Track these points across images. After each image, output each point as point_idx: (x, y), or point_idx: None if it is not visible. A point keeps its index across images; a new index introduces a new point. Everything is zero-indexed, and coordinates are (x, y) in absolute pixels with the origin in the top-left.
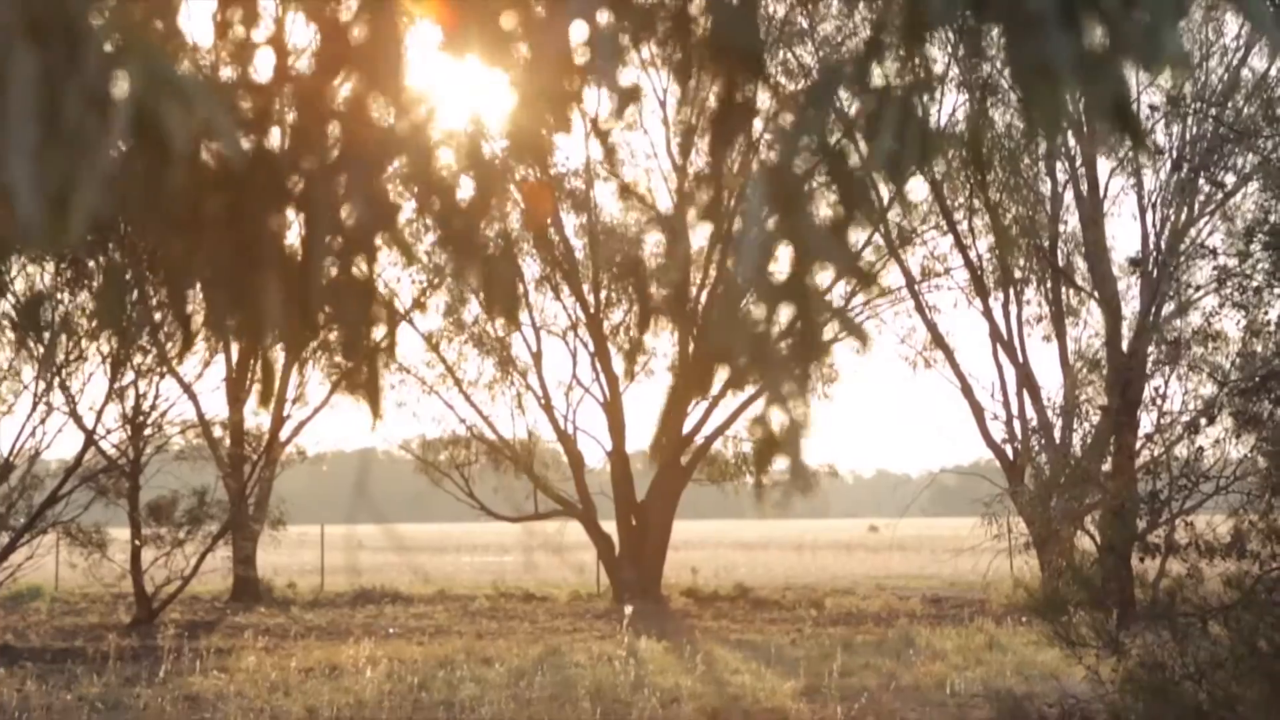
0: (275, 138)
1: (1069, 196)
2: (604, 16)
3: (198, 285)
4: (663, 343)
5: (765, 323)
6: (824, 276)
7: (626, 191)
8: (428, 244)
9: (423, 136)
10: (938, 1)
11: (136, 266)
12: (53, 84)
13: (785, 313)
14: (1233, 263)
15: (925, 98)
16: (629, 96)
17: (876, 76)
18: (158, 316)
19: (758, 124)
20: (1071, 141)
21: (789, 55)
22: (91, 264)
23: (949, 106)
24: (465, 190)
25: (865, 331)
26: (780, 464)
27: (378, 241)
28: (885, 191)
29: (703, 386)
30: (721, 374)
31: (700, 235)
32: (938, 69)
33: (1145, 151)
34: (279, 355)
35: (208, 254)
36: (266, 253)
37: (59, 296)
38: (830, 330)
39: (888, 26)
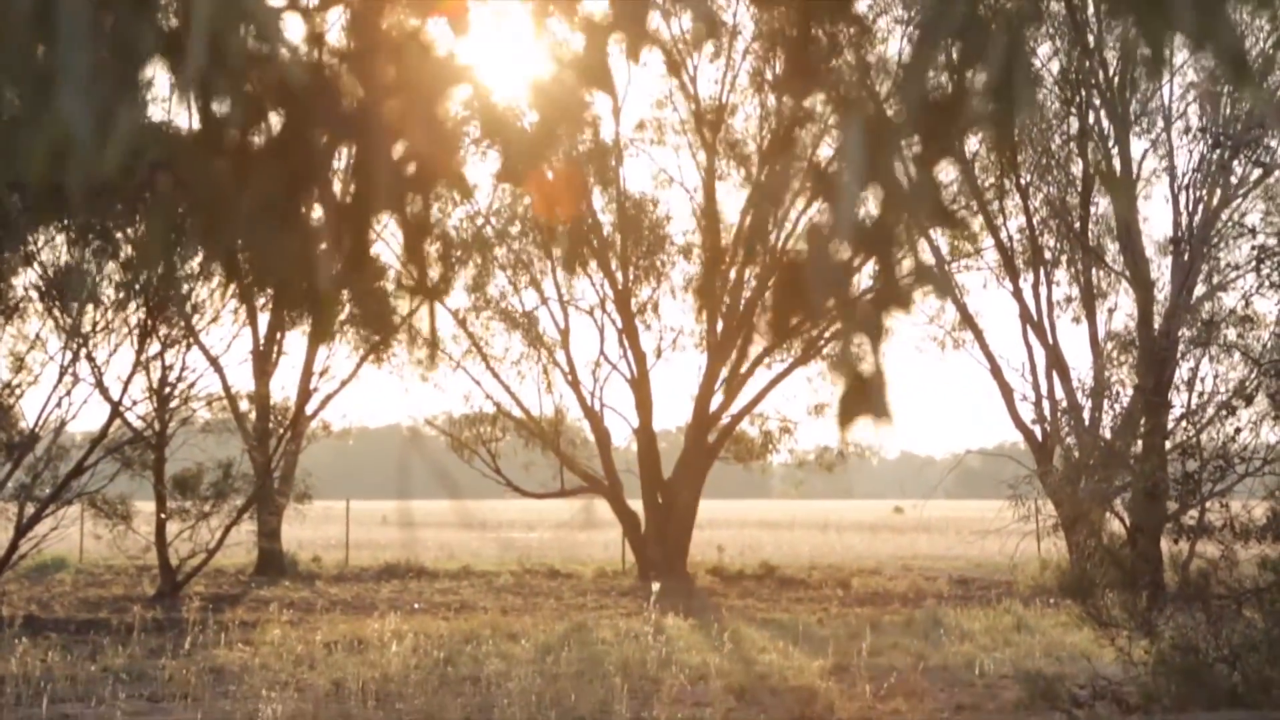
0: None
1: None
2: None
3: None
4: (689, 320)
5: (850, 267)
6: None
7: (701, 122)
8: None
9: (481, 67)
10: None
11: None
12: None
13: (869, 258)
14: (1272, 242)
15: (1030, 30)
16: (711, 25)
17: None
18: (185, 288)
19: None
20: (1104, 120)
21: None
22: (119, 235)
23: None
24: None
25: (947, 281)
26: (861, 415)
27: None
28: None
29: (780, 329)
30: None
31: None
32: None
33: (1250, 86)
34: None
35: (258, 184)
36: (316, 184)
37: (87, 266)
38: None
39: None
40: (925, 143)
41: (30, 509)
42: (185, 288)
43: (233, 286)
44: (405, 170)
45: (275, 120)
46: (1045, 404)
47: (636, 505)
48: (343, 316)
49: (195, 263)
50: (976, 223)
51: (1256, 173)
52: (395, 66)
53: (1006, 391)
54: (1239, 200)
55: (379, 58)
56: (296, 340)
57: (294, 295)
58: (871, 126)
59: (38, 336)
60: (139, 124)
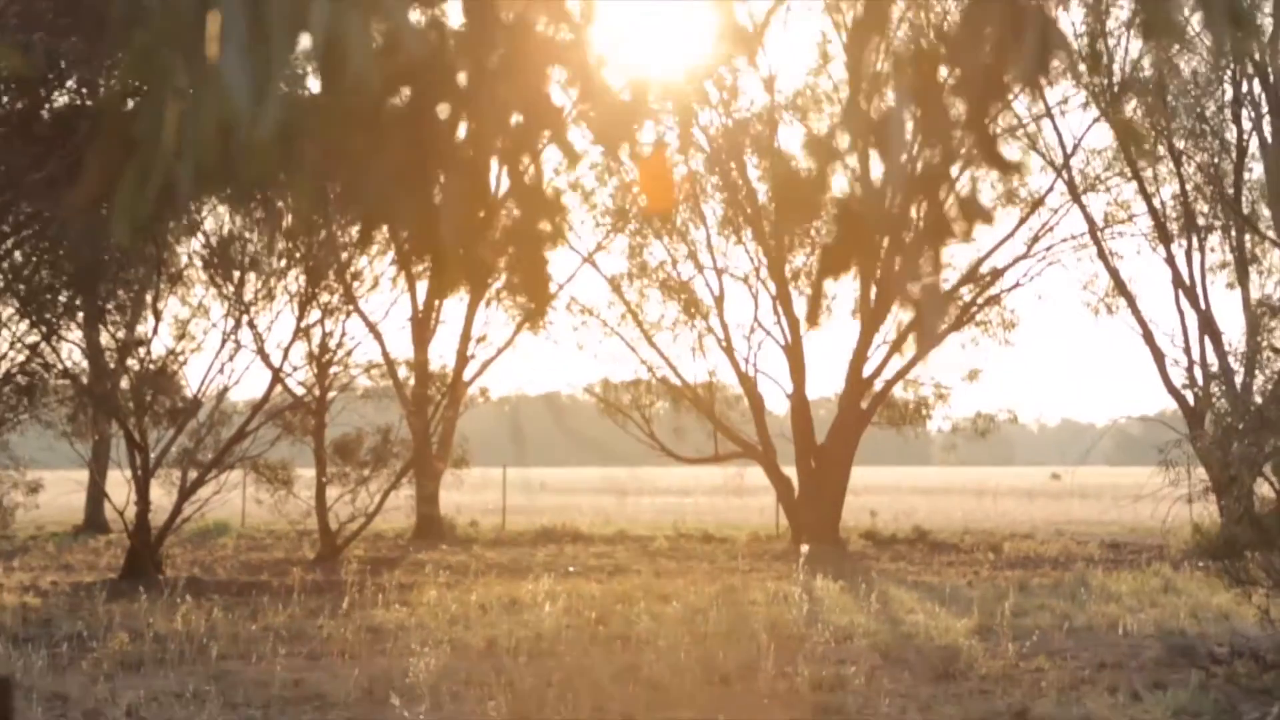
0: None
1: (1254, 143)
2: None
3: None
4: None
5: (902, 211)
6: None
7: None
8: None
9: (582, 48)
10: None
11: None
12: None
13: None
14: None
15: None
16: None
17: None
18: (344, 255)
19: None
20: (1257, 88)
21: None
22: (280, 204)
23: (1133, 51)
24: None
25: (988, 211)
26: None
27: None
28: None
29: (842, 265)
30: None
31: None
32: (1123, 14)
33: (1258, 43)
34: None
35: (387, 150)
36: (440, 149)
37: (248, 236)
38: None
39: None
40: (974, 101)
41: (193, 474)
42: (344, 255)
43: (385, 248)
44: (514, 132)
45: (403, 94)
46: (1196, 369)
47: (790, 471)
48: (499, 284)
49: (354, 231)
50: (1032, 160)
51: None
52: (507, 46)
53: (1159, 356)
54: None
55: (490, 39)
56: (455, 307)
57: (421, 246)
58: (927, 86)
59: (200, 304)
60: (291, 97)
